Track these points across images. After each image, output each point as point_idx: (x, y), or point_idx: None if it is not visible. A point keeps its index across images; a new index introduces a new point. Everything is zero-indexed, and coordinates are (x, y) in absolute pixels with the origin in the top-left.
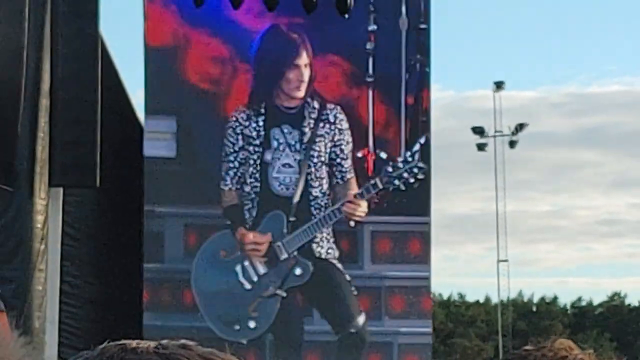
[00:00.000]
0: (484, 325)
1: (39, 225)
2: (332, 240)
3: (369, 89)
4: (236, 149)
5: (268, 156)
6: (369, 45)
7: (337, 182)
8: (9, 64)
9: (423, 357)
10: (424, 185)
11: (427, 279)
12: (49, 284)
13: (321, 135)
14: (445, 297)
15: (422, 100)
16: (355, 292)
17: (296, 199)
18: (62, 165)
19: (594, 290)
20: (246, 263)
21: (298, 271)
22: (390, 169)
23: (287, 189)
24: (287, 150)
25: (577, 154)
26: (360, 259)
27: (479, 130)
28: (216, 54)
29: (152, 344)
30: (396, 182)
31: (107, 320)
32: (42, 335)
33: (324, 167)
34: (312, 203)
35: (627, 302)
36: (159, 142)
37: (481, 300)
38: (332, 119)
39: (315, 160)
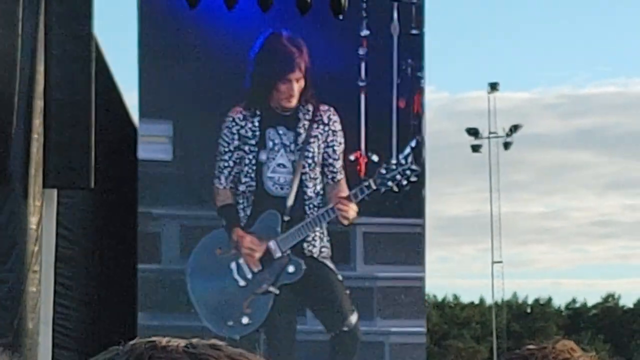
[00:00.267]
0: (478, 326)
1: (33, 227)
2: (325, 239)
3: (361, 93)
4: (232, 148)
5: (263, 156)
6: (361, 51)
7: (328, 182)
8: (2, 65)
9: (415, 357)
10: (418, 187)
11: (421, 279)
12: (43, 285)
13: (315, 136)
14: (439, 298)
15: (413, 104)
16: (348, 291)
17: (291, 199)
18: (56, 167)
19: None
20: (241, 261)
21: (291, 269)
22: (383, 171)
23: (282, 188)
24: (282, 151)
25: (571, 155)
26: (352, 259)
27: (473, 132)
28: (212, 55)
29: (182, 342)
30: (389, 183)
31: (101, 322)
32: (36, 337)
33: (317, 167)
34: (307, 203)
35: (621, 303)
36: (154, 145)
37: (475, 302)
38: (325, 120)
39: (309, 160)
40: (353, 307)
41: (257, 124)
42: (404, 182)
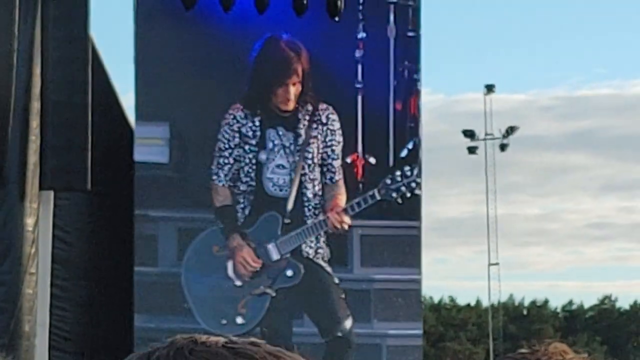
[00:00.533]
0: (474, 328)
1: (30, 229)
2: (322, 239)
3: (358, 96)
4: (232, 145)
5: (263, 156)
6: (358, 53)
7: (326, 183)
8: None
9: (411, 359)
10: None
11: (418, 281)
12: (40, 287)
13: (314, 137)
14: (436, 300)
15: (410, 106)
16: (343, 295)
17: (291, 201)
18: (52, 169)
19: (585, 294)
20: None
21: (289, 272)
22: (388, 181)
23: (281, 190)
24: (282, 151)
25: (567, 157)
26: (349, 262)
27: (469, 134)
28: (208, 57)
29: (222, 339)
30: (394, 194)
31: (97, 324)
32: (32, 339)
33: (316, 168)
34: (306, 204)
35: (617, 305)
36: (150, 147)
37: (472, 304)
38: (324, 120)
39: (309, 161)
40: (348, 312)
41: (257, 123)
42: (408, 195)
